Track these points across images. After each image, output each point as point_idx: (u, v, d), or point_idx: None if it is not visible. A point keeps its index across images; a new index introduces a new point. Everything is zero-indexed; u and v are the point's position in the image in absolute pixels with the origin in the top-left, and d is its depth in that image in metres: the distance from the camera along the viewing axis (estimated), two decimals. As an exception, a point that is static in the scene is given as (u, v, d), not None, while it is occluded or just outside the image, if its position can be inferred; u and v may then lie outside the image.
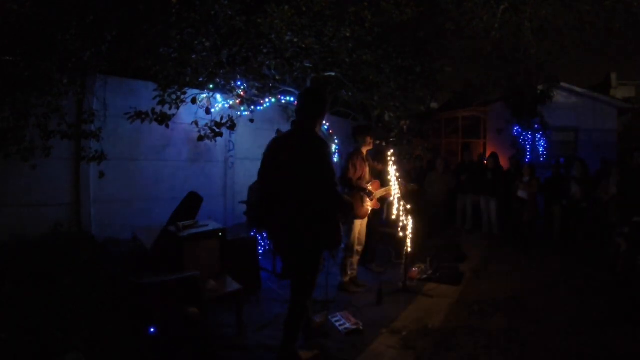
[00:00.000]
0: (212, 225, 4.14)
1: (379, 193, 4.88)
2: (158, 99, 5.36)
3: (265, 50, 5.98)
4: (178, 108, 5.60)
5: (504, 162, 8.93)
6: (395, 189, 4.86)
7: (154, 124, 5.47)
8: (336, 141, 6.89)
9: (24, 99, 4.46)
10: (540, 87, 10.21)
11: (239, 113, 6.35)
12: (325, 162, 2.93)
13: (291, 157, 2.95)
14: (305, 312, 3.16)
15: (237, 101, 6.18)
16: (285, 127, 7.49)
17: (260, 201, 3.16)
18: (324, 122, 5.71)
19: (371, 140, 4.88)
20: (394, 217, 4.95)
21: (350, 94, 7.31)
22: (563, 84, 11.35)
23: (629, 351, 3.52)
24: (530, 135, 10.80)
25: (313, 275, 3.08)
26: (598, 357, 3.43)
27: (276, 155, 3.04)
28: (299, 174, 2.92)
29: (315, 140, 2.99)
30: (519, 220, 7.57)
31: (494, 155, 8.56)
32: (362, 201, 4.69)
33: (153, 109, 5.40)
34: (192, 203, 4.73)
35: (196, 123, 5.91)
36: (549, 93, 10.20)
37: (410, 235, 4.93)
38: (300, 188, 2.91)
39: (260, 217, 3.17)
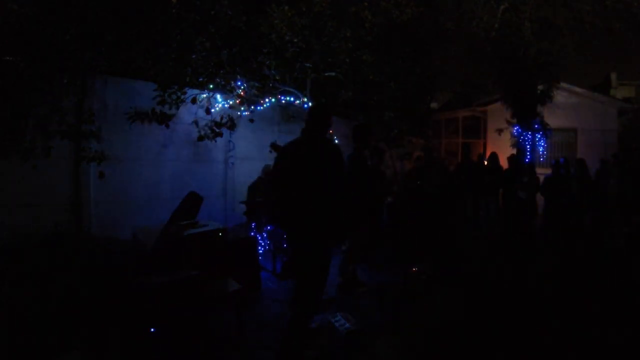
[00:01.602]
0: (212, 225, 4.15)
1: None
2: (158, 99, 5.36)
3: (265, 50, 5.98)
4: (178, 108, 5.60)
5: (504, 162, 8.93)
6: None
7: (154, 123, 5.46)
8: (336, 141, 6.88)
9: (24, 99, 4.45)
10: (540, 87, 10.20)
11: (239, 113, 6.35)
12: (340, 165, 3.22)
13: (308, 162, 3.16)
14: (310, 312, 3.18)
15: (237, 101, 6.18)
16: (285, 128, 7.52)
17: (278, 202, 3.31)
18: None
19: (371, 141, 4.89)
20: (393, 217, 4.96)
21: (350, 94, 7.30)
22: (563, 84, 11.32)
23: (629, 351, 3.52)
24: (530, 135, 10.79)
25: (322, 276, 3.14)
26: (598, 357, 3.44)
27: (290, 159, 3.22)
28: (316, 177, 3.11)
29: (330, 145, 3.32)
30: (519, 220, 7.57)
31: (493, 156, 8.55)
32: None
33: (153, 109, 5.40)
34: (192, 203, 4.73)
35: (196, 123, 5.90)
36: (549, 93, 10.18)
37: (411, 236, 4.93)
38: (317, 187, 3.08)
39: (279, 217, 3.38)
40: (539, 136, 10.76)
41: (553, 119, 10.69)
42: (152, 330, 3.25)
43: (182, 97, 5.57)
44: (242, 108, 6.32)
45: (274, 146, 3.93)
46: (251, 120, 6.36)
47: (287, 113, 7.59)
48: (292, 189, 3.12)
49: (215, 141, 6.11)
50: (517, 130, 10.75)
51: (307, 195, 3.07)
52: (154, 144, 6.14)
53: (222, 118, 6.00)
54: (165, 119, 5.46)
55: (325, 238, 3.12)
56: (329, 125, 3.42)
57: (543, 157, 11.03)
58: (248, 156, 7.29)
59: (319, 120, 3.34)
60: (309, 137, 3.29)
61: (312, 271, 3.11)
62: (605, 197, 6.72)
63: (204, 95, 6.04)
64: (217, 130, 5.92)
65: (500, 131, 11.68)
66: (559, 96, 11.02)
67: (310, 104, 6.38)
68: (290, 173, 3.17)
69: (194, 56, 5.51)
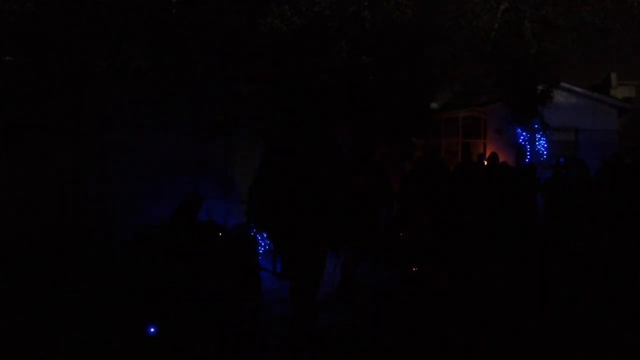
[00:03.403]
0: (212, 225, 4.15)
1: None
2: (158, 99, 5.36)
3: (265, 51, 5.99)
4: (178, 108, 5.60)
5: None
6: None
7: (155, 123, 5.47)
8: (336, 142, 6.88)
9: (24, 99, 4.46)
10: (540, 87, 10.21)
11: (239, 113, 6.35)
12: (339, 163, 3.18)
13: (303, 159, 3.06)
14: (310, 311, 3.17)
15: (237, 101, 6.19)
16: (284, 127, 7.51)
17: (266, 201, 3.19)
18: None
19: (373, 141, 4.89)
20: (394, 217, 4.96)
21: (350, 94, 7.30)
22: (563, 84, 11.33)
23: (628, 351, 3.52)
24: (530, 135, 10.80)
25: (318, 275, 3.11)
26: (597, 357, 3.44)
27: (284, 157, 3.12)
28: (311, 175, 3.02)
29: (328, 143, 3.25)
30: (519, 220, 7.55)
31: (493, 156, 8.53)
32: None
33: (153, 109, 5.40)
34: (192, 203, 4.74)
35: (196, 123, 5.91)
36: (549, 93, 10.19)
37: (410, 235, 4.93)
38: (312, 188, 2.99)
39: (266, 217, 3.22)
40: (539, 136, 10.76)
41: (553, 119, 10.69)
42: (152, 330, 3.26)
43: (182, 96, 5.57)
44: (242, 108, 6.32)
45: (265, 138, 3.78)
46: (252, 120, 6.36)
47: (287, 113, 7.59)
48: (284, 190, 3.01)
49: (216, 141, 6.11)
50: (517, 130, 10.75)
51: (302, 197, 2.97)
52: (154, 144, 6.14)
53: (222, 118, 6.00)
54: (165, 119, 5.46)
55: (324, 242, 3.05)
56: (326, 121, 3.33)
57: (543, 157, 11.03)
58: (248, 156, 7.29)
59: (316, 111, 3.25)
60: (305, 133, 3.21)
61: (309, 274, 3.08)
62: (606, 197, 6.71)
63: (204, 95, 6.04)
64: (217, 130, 5.93)
65: (500, 131, 11.68)
66: (559, 96, 11.02)
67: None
68: (282, 173, 3.06)
69: (194, 56, 5.51)
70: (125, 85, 5.84)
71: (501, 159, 8.68)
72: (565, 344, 3.61)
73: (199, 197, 4.85)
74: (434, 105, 15.70)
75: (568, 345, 3.60)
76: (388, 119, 7.67)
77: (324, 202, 2.99)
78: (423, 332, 3.77)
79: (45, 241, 4.68)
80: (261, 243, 5.80)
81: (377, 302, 4.44)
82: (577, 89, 12.20)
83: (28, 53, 4.46)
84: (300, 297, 3.08)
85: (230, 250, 4.62)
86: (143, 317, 3.36)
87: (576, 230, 7.25)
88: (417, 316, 4.14)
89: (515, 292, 4.95)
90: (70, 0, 4.69)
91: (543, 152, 11.04)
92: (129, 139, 5.85)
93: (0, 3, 4.39)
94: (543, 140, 10.72)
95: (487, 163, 8.73)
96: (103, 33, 4.90)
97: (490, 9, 7.67)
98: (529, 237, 7.49)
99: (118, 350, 3.13)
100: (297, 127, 3.26)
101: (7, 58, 4.45)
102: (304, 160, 3.04)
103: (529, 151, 10.83)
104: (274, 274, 5.17)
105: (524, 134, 10.59)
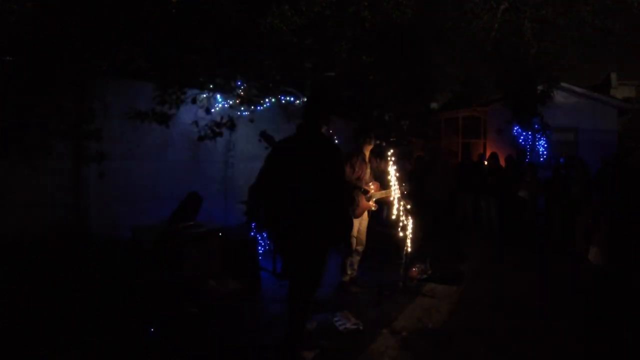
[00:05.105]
0: (212, 225, 4.15)
1: (378, 195, 4.85)
2: (158, 99, 5.37)
3: (265, 51, 5.99)
4: (178, 108, 5.60)
5: (504, 162, 8.93)
6: (395, 190, 4.85)
7: (154, 123, 5.47)
8: (336, 141, 6.88)
9: (24, 99, 4.46)
10: (540, 87, 10.21)
11: (238, 113, 6.35)
12: (339, 163, 3.14)
13: (303, 158, 3.07)
14: (309, 311, 3.18)
15: (237, 101, 6.20)
16: (286, 128, 7.50)
17: (266, 201, 3.20)
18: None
19: (373, 141, 4.89)
20: (393, 217, 4.95)
21: (350, 94, 7.31)
22: (563, 84, 11.34)
23: (628, 351, 3.52)
24: (530, 135, 10.81)
25: (318, 274, 3.12)
26: (597, 357, 3.44)
27: (285, 156, 3.13)
28: (312, 174, 3.02)
29: (328, 142, 3.21)
30: (519, 220, 7.57)
31: (494, 156, 8.55)
32: (358, 200, 4.67)
33: (153, 109, 5.40)
34: (192, 203, 4.75)
35: (196, 123, 5.91)
36: (549, 93, 10.20)
37: (410, 235, 4.93)
38: (312, 187, 3.00)
39: (267, 216, 3.24)
40: (539, 136, 10.77)
41: (553, 119, 10.69)
42: (152, 330, 3.26)
43: (182, 97, 5.58)
44: (242, 108, 6.32)
45: (264, 135, 3.70)
46: (251, 121, 6.36)
47: (287, 113, 7.59)
48: (285, 190, 3.02)
49: (216, 141, 6.11)
50: (517, 130, 10.76)
51: (303, 196, 2.99)
52: (154, 144, 6.15)
53: (222, 118, 6.00)
54: (165, 119, 5.47)
55: (321, 241, 3.06)
56: (326, 117, 3.29)
57: (543, 157, 11.04)
58: (248, 156, 7.29)
59: (314, 110, 3.22)
60: (305, 132, 3.18)
61: (309, 273, 3.09)
62: (606, 197, 6.71)
63: (204, 96, 6.04)
64: (217, 130, 5.94)
65: (500, 131, 11.69)
66: (559, 96, 11.03)
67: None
68: (283, 172, 3.07)
69: (194, 56, 5.51)
70: (125, 85, 5.84)
71: (501, 158, 8.71)
72: (565, 344, 3.61)
73: (199, 197, 4.86)
74: (434, 105, 15.73)
75: (568, 344, 3.60)
76: (388, 118, 7.67)
77: (324, 202, 3.00)
78: (423, 332, 3.78)
79: (45, 241, 4.68)
80: (261, 243, 5.80)
81: (378, 302, 4.43)
82: (577, 89, 12.21)
83: (28, 53, 4.45)
84: (300, 297, 3.08)
85: (230, 250, 4.63)
86: (143, 317, 3.37)
87: (576, 230, 7.25)
88: (417, 316, 4.14)
89: (514, 291, 4.95)
90: (70, 0, 4.69)
91: (543, 152, 11.05)
92: (129, 139, 5.86)
93: (0, 3, 4.38)
94: (543, 140, 10.73)
95: (487, 163, 8.75)
96: (103, 33, 4.89)
97: (490, 9, 7.67)
98: (529, 237, 7.51)
99: (118, 350, 3.13)
100: (298, 126, 3.24)
101: (7, 58, 4.45)
102: (304, 160, 3.06)
103: (529, 151, 10.84)
104: (274, 274, 5.17)
105: (524, 134, 10.59)
